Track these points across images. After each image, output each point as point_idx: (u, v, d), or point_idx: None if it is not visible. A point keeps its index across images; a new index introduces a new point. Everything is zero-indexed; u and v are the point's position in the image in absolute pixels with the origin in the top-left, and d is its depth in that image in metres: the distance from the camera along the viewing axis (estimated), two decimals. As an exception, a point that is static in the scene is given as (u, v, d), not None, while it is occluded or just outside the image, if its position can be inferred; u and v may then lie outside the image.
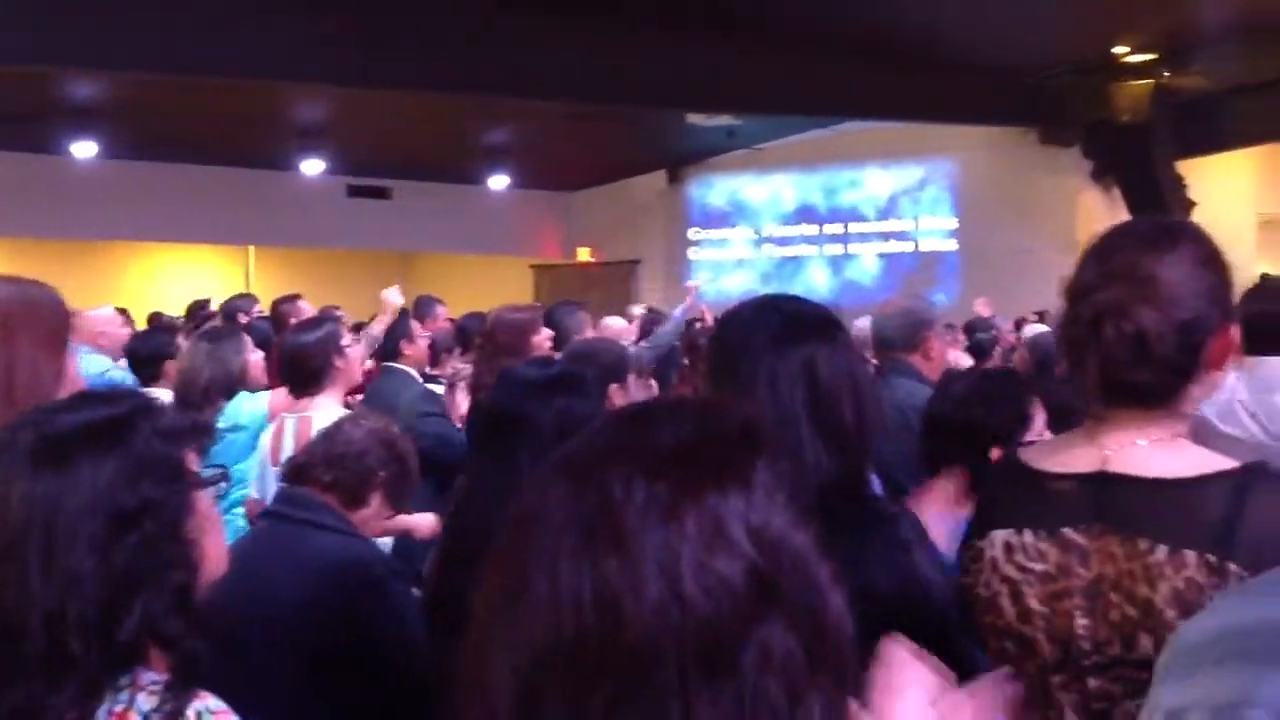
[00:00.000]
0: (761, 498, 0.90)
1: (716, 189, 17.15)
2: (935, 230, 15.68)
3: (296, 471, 2.78)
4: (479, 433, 2.70)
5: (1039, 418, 2.71)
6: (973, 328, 8.90)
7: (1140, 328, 1.46)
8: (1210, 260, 1.52)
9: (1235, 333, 1.52)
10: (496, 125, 14.10)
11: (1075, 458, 1.57)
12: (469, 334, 6.28)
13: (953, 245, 15.44)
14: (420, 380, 5.20)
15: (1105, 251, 1.54)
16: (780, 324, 1.73)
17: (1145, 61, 12.15)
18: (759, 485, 0.90)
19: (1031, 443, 2.17)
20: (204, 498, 1.48)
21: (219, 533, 1.51)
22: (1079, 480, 1.55)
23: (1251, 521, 1.40)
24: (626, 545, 0.84)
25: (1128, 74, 12.36)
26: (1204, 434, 3.15)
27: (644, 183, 17.34)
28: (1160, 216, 1.61)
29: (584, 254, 18.07)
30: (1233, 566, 1.40)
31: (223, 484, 3.54)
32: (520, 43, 9.96)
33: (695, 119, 13.68)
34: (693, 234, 17.37)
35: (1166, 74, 12.19)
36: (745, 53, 10.80)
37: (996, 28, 10.75)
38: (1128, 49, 11.93)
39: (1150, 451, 1.51)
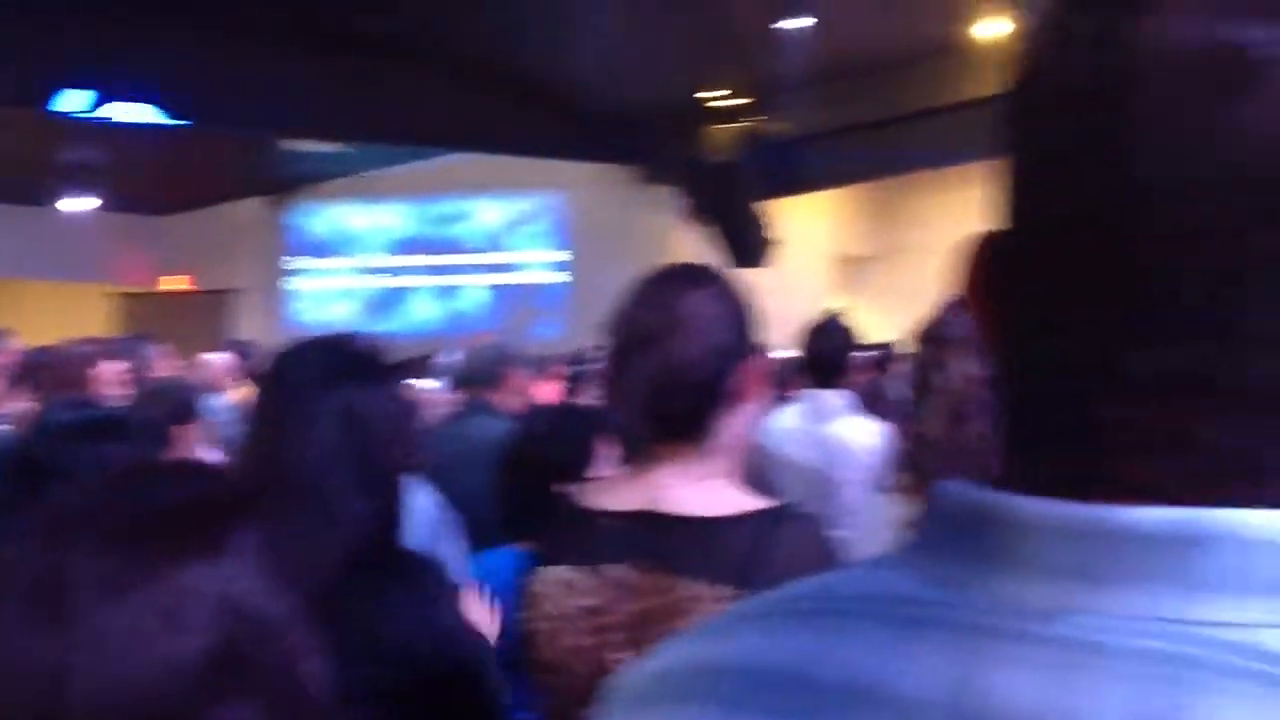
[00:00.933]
0: (234, 566, 0.85)
1: (320, 216, 16.70)
2: (544, 263, 15.98)
3: None
4: (8, 480, 2.45)
5: (611, 453, 2.76)
6: (576, 361, 9.08)
7: (675, 355, 1.56)
8: (732, 299, 1.64)
9: (761, 364, 1.64)
10: (78, 143, 13.15)
11: (625, 496, 1.63)
12: (35, 370, 5.78)
13: (561, 278, 15.78)
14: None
15: (642, 291, 1.66)
16: (324, 365, 1.71)
17: (735, 106, 12.92)
18: (233, 553, 0.86)
19: (589, 480, 2.24)
20: None
21: None
22: (626, 518, 1.60)
23: (773, 559, 1.50)
24: (75, 621, 0.78)
25: (719, 117, 13.09)
26: (767, 464, 3.35)
27: (243, 208, 16.63)
28: (690, 263, 1.73)
29: (176, 282, 17.16)
30: None
31: None
32: (105, 56, 9.36)
33: (295, 144, 13.33)
34: (295, 263, 16.83)
35: (754, 118, 13.00)
36: (349, 79, 10.61)
37: (597, 67, 11.11)
38: (719, 93, 12.64)
39: (692, 491, 1.59)
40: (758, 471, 3.25)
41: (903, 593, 0.51)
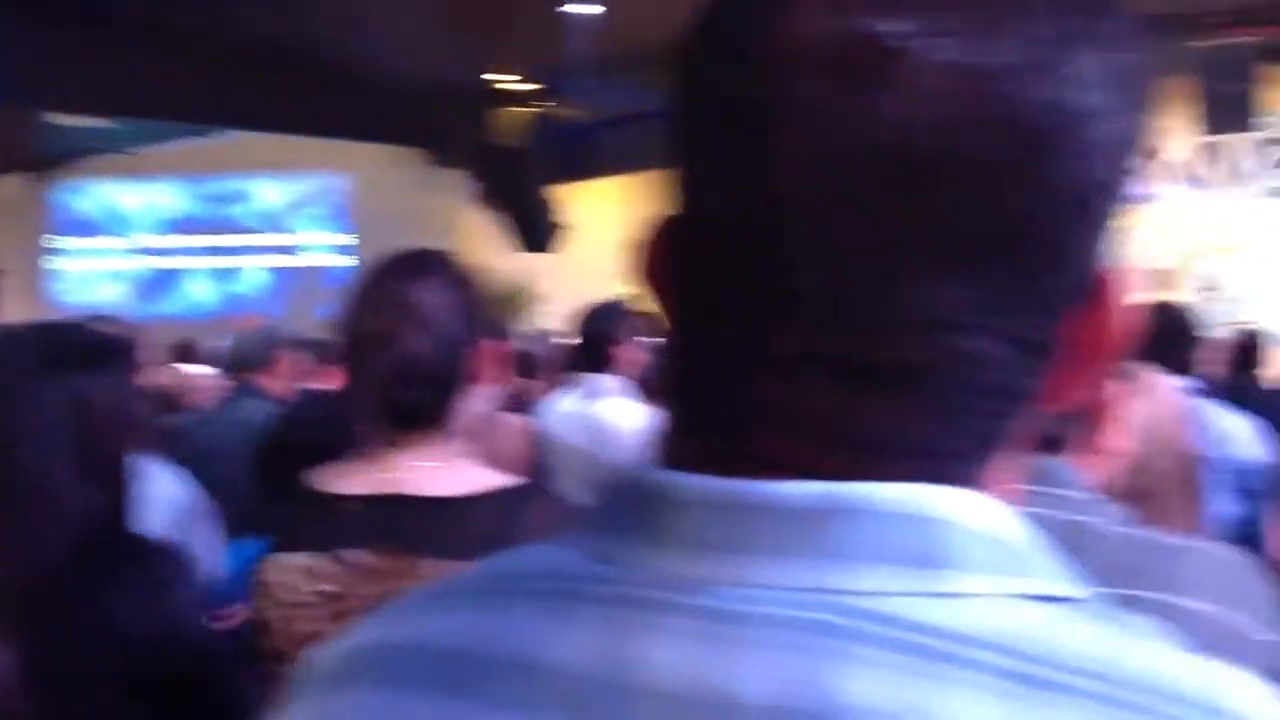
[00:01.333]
0: None
1: (87, 194, 15.96)
2: (327, 245, 15.64)
3: None
4: None
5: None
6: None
7: (406, 350, 1.56)
8: (460, 283, 1.66)
9: (492, 348, 1.65)
10: None
11: (364, 480, 1.61)
12: None
13: (345, 260, 15.46)
14: None
15: (369, 283, 1.65)
16: (44, 353, 1.63)
17: (525, 90, 12.86)
18: None
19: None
20: None
21: None
22: (366, 501, 1.59)
23: (518, 536, 1.48)
24: None
25: (509, 101, 13.02)
26: (546, 446, 3.35)
27: (2, 185, 15.69)
28: (418, 249, 1.72)
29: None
30: None
31: None
32: None
33: (60, 118, 12.64)
34: (59, 242, 16.05)
35: (544, 103, 12.98)
36: (119, 51, 10.10)
37: (384, 46, 10.89)
38: (509, 77, 12.56)
39: (432, 472, 1.59)
40: (536, 454, 3.27)
41: (565, 569, 0.52)
